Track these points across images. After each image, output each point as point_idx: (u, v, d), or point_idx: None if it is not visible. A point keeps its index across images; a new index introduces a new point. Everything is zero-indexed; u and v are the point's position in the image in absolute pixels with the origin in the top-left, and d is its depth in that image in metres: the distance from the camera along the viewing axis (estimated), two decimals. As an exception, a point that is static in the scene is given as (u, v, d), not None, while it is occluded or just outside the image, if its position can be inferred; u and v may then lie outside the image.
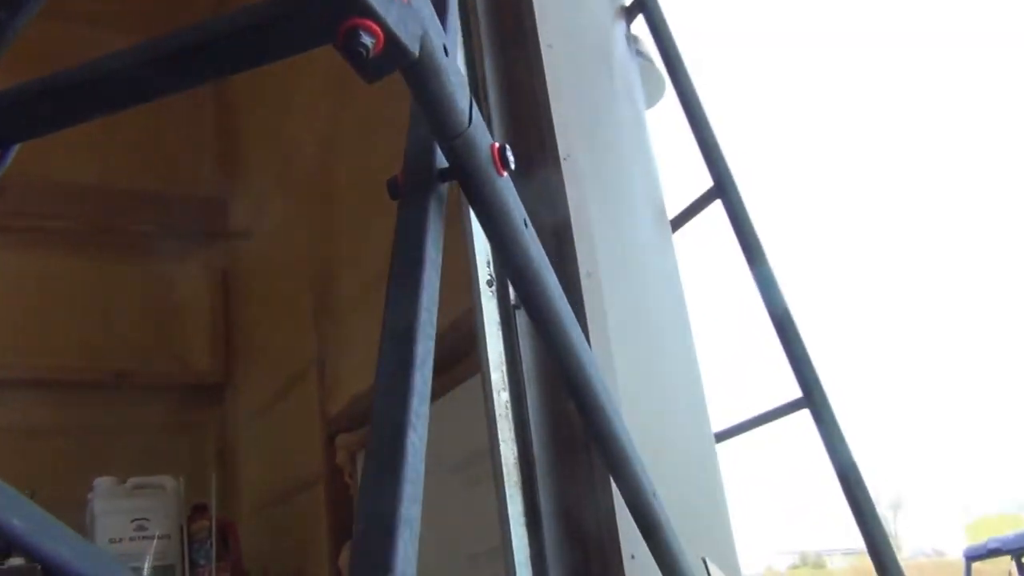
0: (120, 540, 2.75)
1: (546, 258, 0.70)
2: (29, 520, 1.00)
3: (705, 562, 1.18)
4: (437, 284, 0.58)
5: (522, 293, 0.69)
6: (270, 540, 3.09)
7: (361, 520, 0.47)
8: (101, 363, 3.37)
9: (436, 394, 1.91)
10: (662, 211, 1.81)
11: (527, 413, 1.61)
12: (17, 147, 0.62)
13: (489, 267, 1.70)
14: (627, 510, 1.47)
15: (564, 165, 1.69)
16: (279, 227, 3.32)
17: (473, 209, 0.64)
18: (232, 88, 3.78)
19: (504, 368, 1.63)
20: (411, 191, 0.62)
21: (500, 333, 1.64)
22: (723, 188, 1.79)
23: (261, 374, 3.33)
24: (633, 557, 1.47)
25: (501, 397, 1.61)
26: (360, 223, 2.60)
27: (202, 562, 2.81)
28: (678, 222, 1.80)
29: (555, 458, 1.59)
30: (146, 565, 2.78)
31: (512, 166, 0.64)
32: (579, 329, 0.76)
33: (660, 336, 1.71)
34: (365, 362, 2.39)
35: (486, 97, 1.76)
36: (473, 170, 0.61)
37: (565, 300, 0.73)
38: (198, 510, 2.91)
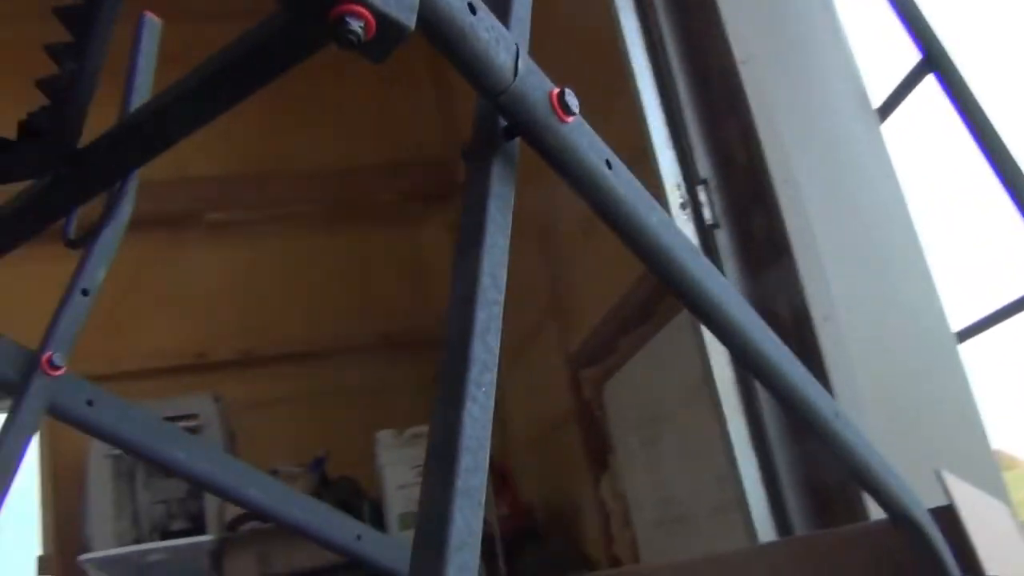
0: (406, 486, 3.01)
1: (643, 194, 0.67)
2: (264, 490, 1.12)
3: (940, 475, 1.09)
4: (503, 246, 0.58)
5: (619, 236, 0.67)
6: (542, 474, 3.24)
7: (423, 493, 0.49)
8: (367, 327, 3.65)
9: (646, 336, 1.90)
10: (865, 101, 1.65)
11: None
12: (137, 173, 0.69)
13: (680, 190, 1.65)
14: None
15: (743, 70, 1.59)
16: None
17: (545, 160, 0.63)
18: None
19: (710, 291, 1.59)
20: (476, 152, 0.62)
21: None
22: (936, 59, 1.60)
23: (510, 319, 3.45)
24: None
25: (709, 322, 1.57)
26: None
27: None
28: (886, 109, 1.64)
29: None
30: (431, 506, 3.03)
31: (576, 110, 0.62)
32: (705, 260, 0.73)
33: (879, 237, 1.58)
34: (597, 295, 2.42)
35: (654, 8, 1.70)
36: (531, 123, 0.60)
37: (676, 232, 0.70)
38: (470, 453, 3.11)
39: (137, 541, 2.87)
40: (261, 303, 3.61)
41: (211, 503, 2.96)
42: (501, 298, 0.57)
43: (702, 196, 1.64)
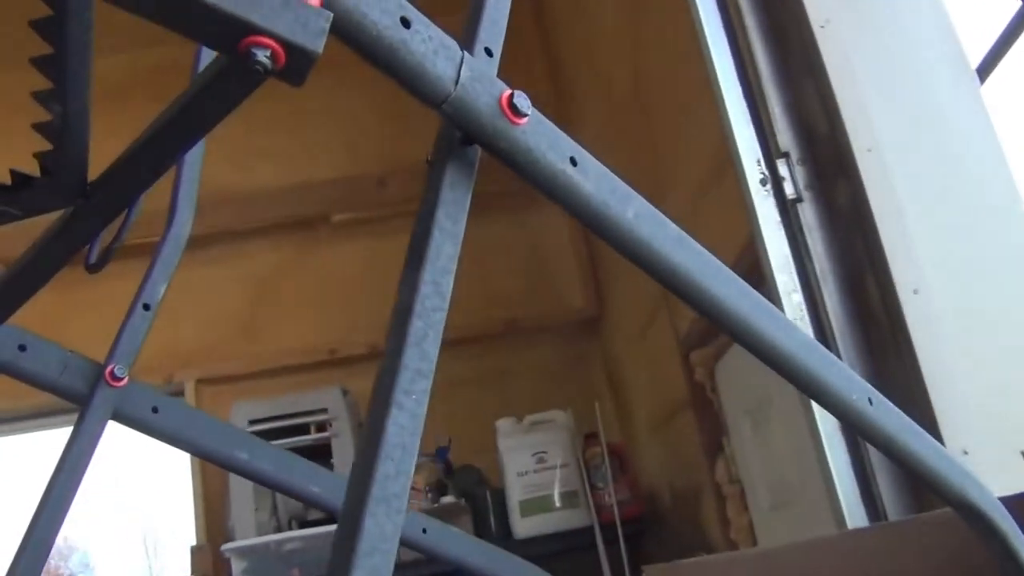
0: (526, 473, 3.05)
1: (618, 188, 0.66)
2: (326, 486, 1.17)
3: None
4: (451, 254, 0.59)
5: (594, 233, 0.66)
6: (664, 459, 3.21)
7: (345, 497, 0.51)
8: (492, 315, 3.71)
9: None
10: (961, 62, 1.54)
11: (825, 313, 1.49)
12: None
13: (760, 165, 1.59)
14: (944, 399, 1.33)
15: (821, 34, 1.52)
16: (614, 152, 3.37)
17: (503, 164, 0.63)
18: (554, 26, 3.90)
19: (792, 268, 1.53)
20: (436, 159, 0.63)
21: (781, 232, 1.54)
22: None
23: (629, 303, 3.44)
24: (966, 452, 1.32)
25: (793, 300, 1.51)
26: (673, 135, 2.57)
27: (600, 485, 3.01)
28: (985, 68, 1.52)
29: (867, 362, 1.47)
30: (555, 492, 3.06)
31: (527, 111, 0.61)
32: (693, 246, 0.71)
33: (977, 207, 1.48)
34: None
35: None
36: (480, 129, 0.60)
37: (658, 222, 0.68)
38: (590, 438, 3.12)
39: (277, 531, 3.03)
40: (387, 297, 3.71)
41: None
42: (444, 305, 0.58)
43: (783, 170, 1.58)
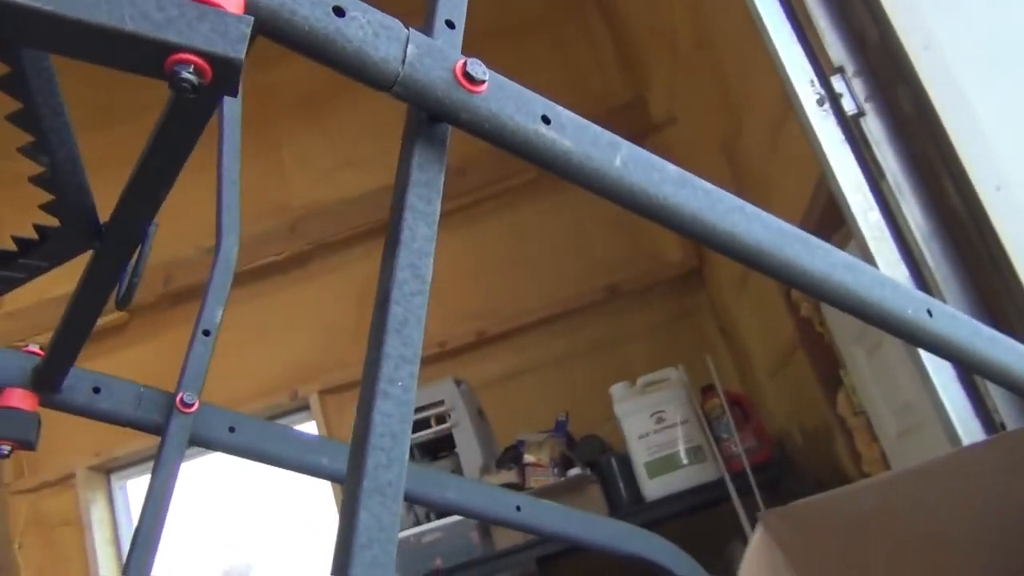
0: (647, 434, 3.02)
1: (600, 137, 0.64)
2: (415, 480, 1.18)
3: None
4: (427, 234, 0.58)
5: (581, 187, 0.64)
6: (787, 400, 3.12)
7: (344, 492, 0.51)
8: (593, 284, 3.69)
9: (843, 241, 1.75)
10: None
11: (906, 227, 1.41)
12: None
13: (814, 85, 1.52)
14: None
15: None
16: (688, 102, 3.30)
17: (472, 135, 0.62)
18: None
19: (864, 186, 1.46)
20: (404, 140, 0.62)
21: (847, 149, 1.47)
22: None
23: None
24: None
25: (870, 218, 1.44)
26: (742, 78, 2.48)
27: (724, 436, 2.96)
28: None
29: (957, 268, 1.38)
30: (680, 449, 3.02)
31: (484, 76, 0.60)
32: (695, 182, 0.67)
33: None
34: (788, 204, 2.29)
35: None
36: (437, 105, 0.59)
37: (651, 165, 0.65)
38: (707, 391, 3.06)
39: (415, 524, 3.11)
40: (488, 282, 3.77)
41: (473, 479, 3.14)
42: (425, 287, 0.57)
43: (839, 86, 1.49)
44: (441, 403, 3.22)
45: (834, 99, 1.49)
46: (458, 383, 3.30)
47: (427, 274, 0.57)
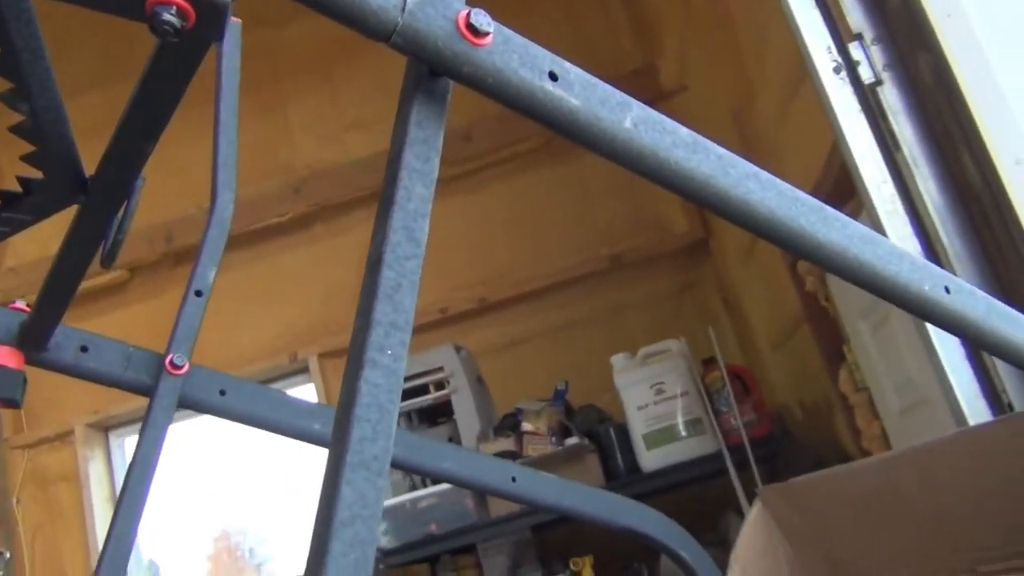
0: (646, 406, 3.00)
1: (610, 96, 0.60)
2: (410, 447, 1.16)
3: None
4: (423, 194, 0.55)
5: (588, 149, 0.61)
6: (789, 375, 3.10)
7: (325, 465, 0.48)
8: (596, 252, 3.66)
9: (853, 213, 1.72)
10: None
11: (920, 200, 1.38)
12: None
13: (831, 52, 1.47)
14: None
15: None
16: (700, 68, 3.24)
17: (475, 90, 0.58)
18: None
19: (879, 157, 1.42)
20: (402, 95, 0.59)
21: (863, 119, 1.43)
22: None
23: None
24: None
25: (883, 191, 1.40)
26: (755, 41, 2.43)
27: (724, 409, 2.94)
28: None
29: (971, 244, 1.35)
30: (678, 421, 3.00)
31: (488, 28, 0.56)
32: (707, 147, 0.64)
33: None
34: (798, 176, 2.25)
35: None
36: (437, 57, 0.56)
37: (663, 127, 0.62)
38: (709, 363, 3.04)
39: (412, 490, 3.10)
40: (491, 249, 3.73)
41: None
42: (420, 251, 0.54)
43: (856, 53, 1.45)
44: (440, 369, 3.20)
45: (851, 67, 1.45)
46: (458, 349, 3.28)
47: (422, 237, 0.54)
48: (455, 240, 3.68)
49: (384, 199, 0.54)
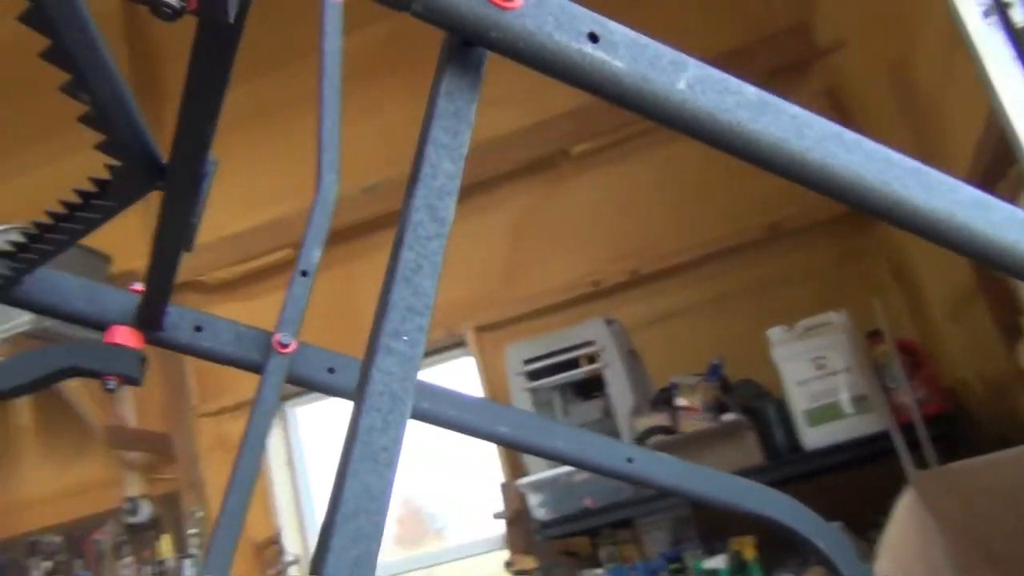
0: (806, 381, 2.86)
1: (661, 55, 0.55)
2: (523, 428, 1.15)
3: None
4: (451, 171, 0.52)
5: (637, 113, 0.56)
6: (966, 349, 2.87)
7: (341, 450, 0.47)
8: (751, 222, 3.51)
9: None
10: None
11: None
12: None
13: (985, -6, 1.33)
14: None
15: None
16: (858, 24, 3.03)
17: (509, 58, 0.55)
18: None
19: (1042, 109, 1.27)
20: (438, 63, 0.56)
21: (1017, 68, 1.28)
22: None
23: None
24: None
25: (1048, 146, 1.25)
26: None
27: (892, 385, 2.75)
28: None
29: None
30: (843, 398, 2.85)
31: (519, -8, 0.53)
32: (776, 105, 0.58)
33: None
34: (962, 140, 2.07)
35: None
36: (466, 25, 0.52)
37: (725, 87, 0.56)
38: (873, 336, 2.86)
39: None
40: (641, 220, 3.66)
41: (624, 424, 3.09)
42: (443, 231, 0.51)
43: (1013, -7, 1.30)
44: (592, 343, 3.18)
45: (1002, 9, 1.30)
46: (609, 322, 3.24)
47: (448, 216, 0.51)
48: (603, 212, 3.63)
49: (411, 177, 0.52)
